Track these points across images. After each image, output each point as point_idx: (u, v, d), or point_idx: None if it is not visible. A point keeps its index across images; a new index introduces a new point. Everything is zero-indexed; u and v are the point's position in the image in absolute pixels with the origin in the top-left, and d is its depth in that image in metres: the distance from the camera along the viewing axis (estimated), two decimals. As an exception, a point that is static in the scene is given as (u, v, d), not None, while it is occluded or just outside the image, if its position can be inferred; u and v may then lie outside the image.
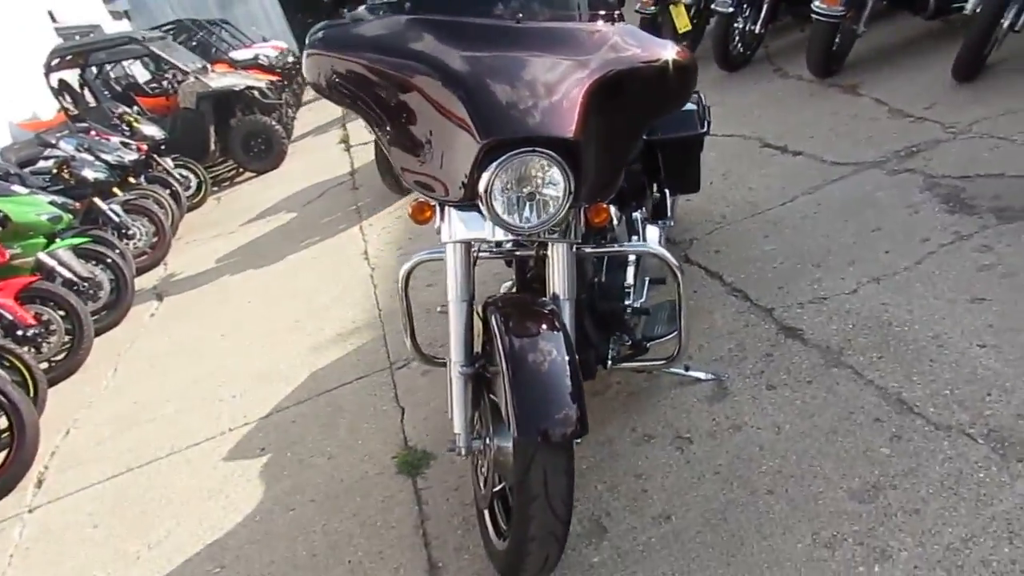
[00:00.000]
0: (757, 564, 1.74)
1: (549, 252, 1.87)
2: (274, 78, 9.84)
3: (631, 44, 1.85)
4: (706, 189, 3.38)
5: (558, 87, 1.67)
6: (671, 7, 2.17)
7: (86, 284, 4.54)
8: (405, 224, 4.92)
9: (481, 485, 1.96)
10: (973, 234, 2.65)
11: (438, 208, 1.86)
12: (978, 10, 3.73)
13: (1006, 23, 3.64)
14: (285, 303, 4.28)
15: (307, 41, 1.92)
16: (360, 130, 8.60)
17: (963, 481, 1.76)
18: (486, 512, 1.99)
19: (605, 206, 1.93)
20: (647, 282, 2.44)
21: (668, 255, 2.00)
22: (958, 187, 2.98)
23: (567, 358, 1.63)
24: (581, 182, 1.67)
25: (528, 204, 1.70)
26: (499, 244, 1.93)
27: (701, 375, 2.41)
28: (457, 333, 1.85)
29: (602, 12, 1.94)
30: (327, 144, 8.86)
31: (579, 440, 1.61)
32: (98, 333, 4.54)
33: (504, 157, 1.60)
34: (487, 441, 1.86)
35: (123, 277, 4.89)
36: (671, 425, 2.26)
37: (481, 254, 1.95)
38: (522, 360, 1.63)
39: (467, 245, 1.84)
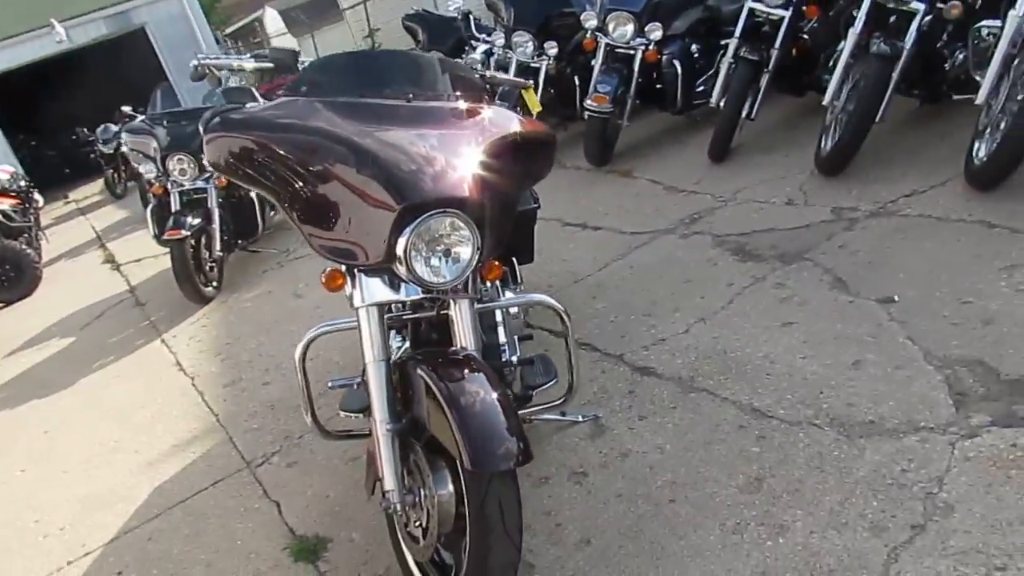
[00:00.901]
0: (681, 560, 1.94)
1: (453, 310, 2.01)
2: (13, 202, 8.98)
3: (508, 120, 2.13)
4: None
5: (456, 155, 1.88)
6: (523, 92, 2.49)
7: None
8: (217, 330, 4.73)
9: (419, 539, 1.98)
10: (766, 275, 3.19)
11: (349, 275, 1.94)
12: (722, 104, 4.55)
13: (744, 113, 4.48)
14: (95, 426, 3.89)
15: (207, 125, 1.96)
16: (128, 247, 8.10)
17: (825, 460, 2.12)
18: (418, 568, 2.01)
19: (497, 264, 2.13)
20: (516, 339, 2.65)
21: (556, 303, 2.22)
22: (741, 242, 3.57)
23: (499, 393, 1.76)
24: (484, 237, 1.87)
25: (443, 261, 1.85)
26: (404, 306, 2.06)
27: (578, 417, 2.62)
28: (380, 393, 1.91)
29: (477, 94, 2.21)
30: (88, 266, 8.18)
31: (526, 465, 1.74)
32: None
33: (422, 217, 1.75)
34: (423, 493, 1.91)
35: None
36: (563, 464, 2.44)
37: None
38: (462, 401, 1.73)
39: (380, 308, 1.94)
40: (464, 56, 6.59)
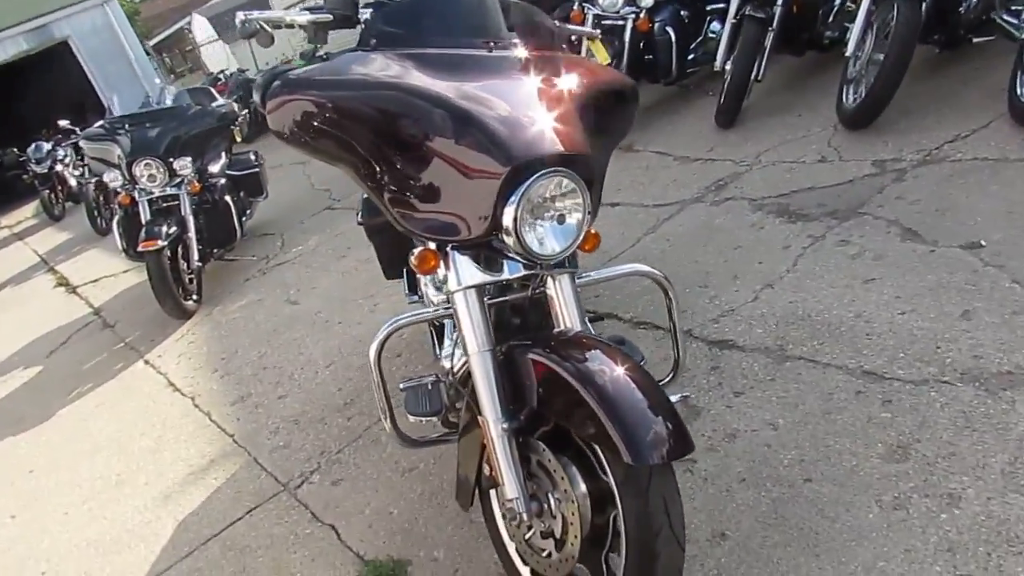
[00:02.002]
0: (844, 544, 1.72)
1: (552, 286, 1.75)
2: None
3: (595, 69, 1.87)
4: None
5: (554, 108, 1.62)
6: (591, 43, 2.29)
7: None
8: (208, 345, 4.35)
9: (552, 552, 1.71)
10: (825, 234, 3.00)
11: (443, 256, 1.67)
12: (727, 66, 4.36)
13: (754, 75, 4.30)
14: (90, 460, 3.49)
15: (267, 89, 1.66)
16: (81, 268, 7.59)
17: (972, 418, 1.92)
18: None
19: (595, 232, 1.88)
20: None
21: (656, 271, 1.98)
22: (783, 203, 3.39)
23: (641, 374, 1.52)
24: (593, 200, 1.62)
25: (551, 229, 1.59)
26: (489, 288, 1.80)
27: (666, 399, 2.38)
28: (488, 387, 1.64)
29: (553, 41, 1.95)
30: (38, 291, 7.61)
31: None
32: None
33: (533, 178, 1.48)
34: (554, 498, 1.65)
35: None
36: (663, 452, 2.19)
37: None
38: (607, 387, 1.48)
39: (479, 291, 1.67)
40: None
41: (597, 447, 1.55)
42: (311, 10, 1.79)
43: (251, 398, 3.51)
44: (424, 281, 2.24)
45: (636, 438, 1.42)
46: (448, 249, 1.66)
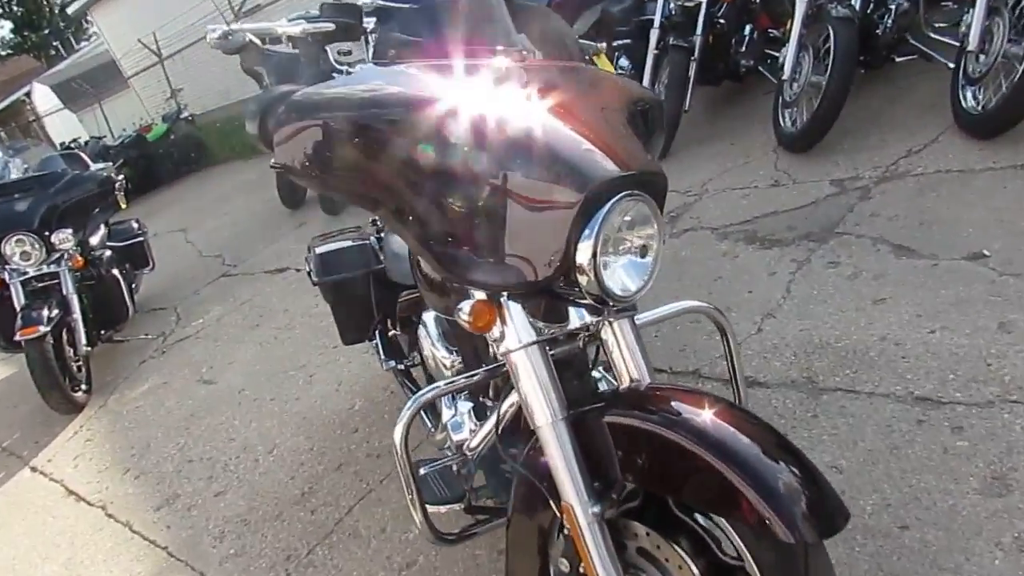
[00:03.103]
0: (982, 601, 1.50)
1: (611, 332, 1.47)
2: None
3: (623, 82, 1.63)
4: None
5: (610, 123, 1.36)
6: (595, 57, 2.10)
7: None
8: (110, 442, 3.72)
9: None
10: (808, 257, 2.88)
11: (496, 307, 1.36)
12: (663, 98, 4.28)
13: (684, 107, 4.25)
14: (-23, 600, 2.84)
15: (271, 111, 1.30)
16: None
17: (1063, 438, 1.77)
18: None
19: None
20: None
21: (715, 310, 1.75)
22: (749, 230, 3.26)
23: (776, 432, 1.25)
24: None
25: (630, 264, 1.31)
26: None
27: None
28: (569, 465, 1.32)
29: (572, 48, 1.71)
30: None
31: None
32: None
33: (609, 204, 1.20)
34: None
35: None
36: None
37: None
38: (739, 451, 1.20)
39: (542, 346, 1.37)
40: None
41: (726, 524, 1.25)
42: (308, 19, 1.46)
43: (180, 499, 2.98)
44: (432, 341, 1.89)
45: (790, 510, 1.14)
46: (502, 299, 1.34)
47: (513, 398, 1.69)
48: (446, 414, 2.01)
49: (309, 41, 1.46)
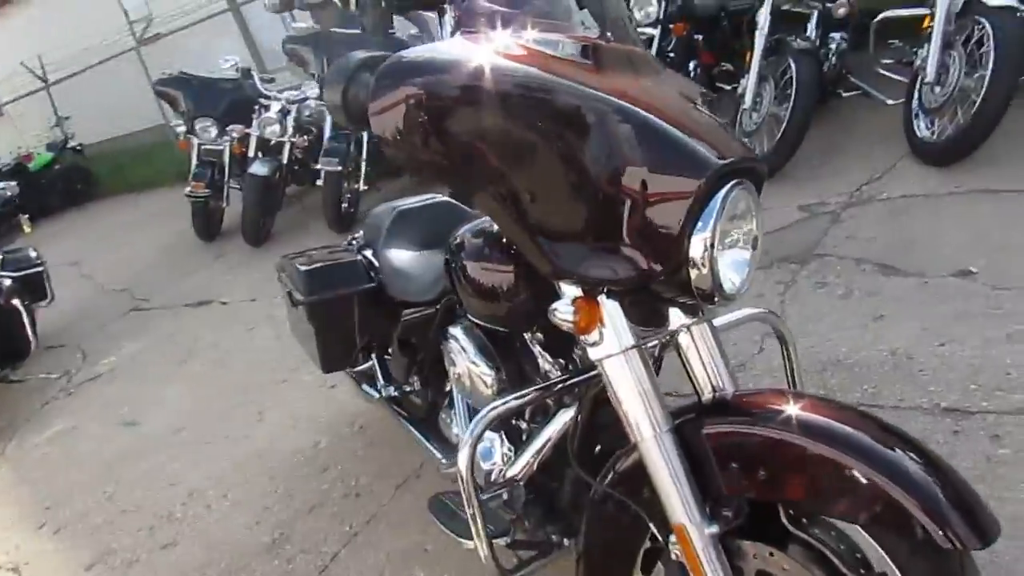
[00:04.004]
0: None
1: (691, 337, 1.35)
2: None
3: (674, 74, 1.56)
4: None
5: (703, 109, 1.28)
6: None
7: None
8: (13, 492, 3.26)
9: None
10: (794, 279, 2.86)
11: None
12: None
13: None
14: None
15: (362, 74, 1.13)
16: None
17: (1109, 441, 1.77)
18: None
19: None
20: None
21: (778, 318, 1.67)
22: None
23: (909, 437, 1.16)
24: None
25: (739, 258, 1.21)
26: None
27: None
28: (680, 482, 1.19)
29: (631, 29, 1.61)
30: None
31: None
32: None
33: (724, 191, 1.10)
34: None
35: None
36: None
37: None
38: (886, 457, 1.10)
39: (643, 350, 1.23)
40: (254, 118, 5.66)
41: (866, 535, 1.14)
42: (384, -15, 1.28)
43: (116, 554, 2.61)
44: (470, 355, 1.70)
45: (947, 515, 1.04)
46: (600, 298, 1.20)
47: (564, 418, 1.54)
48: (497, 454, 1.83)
49: (383, 7, 1.28)
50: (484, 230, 1.53)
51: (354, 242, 2.50)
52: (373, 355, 2.28)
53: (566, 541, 1.62)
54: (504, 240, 1.40)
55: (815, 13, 3.78)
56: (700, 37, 4.61)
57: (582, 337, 1.22)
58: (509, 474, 1.66)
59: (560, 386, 1.40)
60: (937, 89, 3.24)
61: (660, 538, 1.29)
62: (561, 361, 1.56)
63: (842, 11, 3.80)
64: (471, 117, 1.09)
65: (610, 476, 1.34)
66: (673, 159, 1.07)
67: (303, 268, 2.21)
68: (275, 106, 5.60)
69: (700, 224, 1.06)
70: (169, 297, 5.25)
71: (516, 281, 1.41)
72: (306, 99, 5.53)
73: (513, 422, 1.78)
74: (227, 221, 6.25)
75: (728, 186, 1.07)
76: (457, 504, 1.76)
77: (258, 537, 2.44)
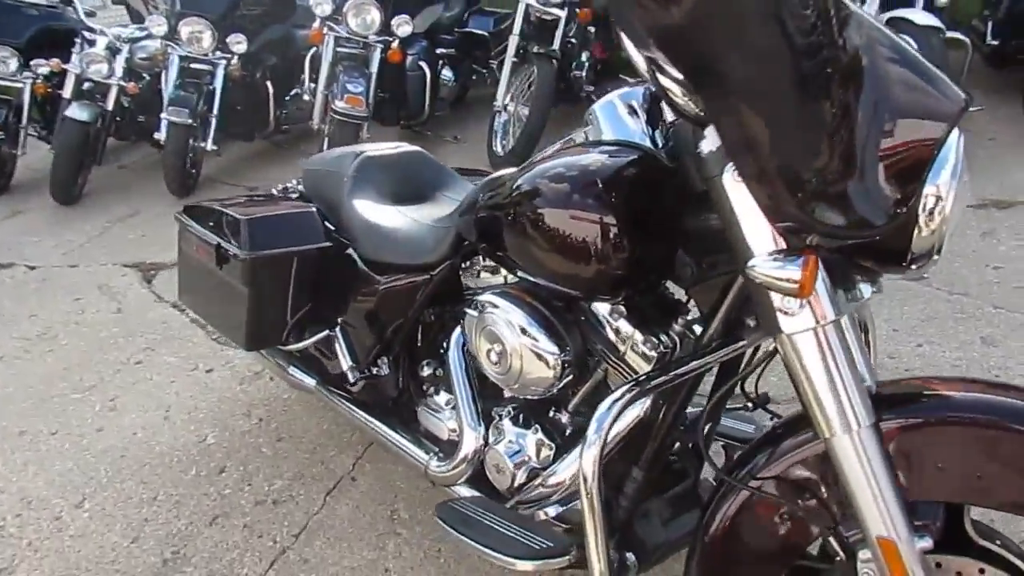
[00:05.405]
0: None
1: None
2: None
3: None
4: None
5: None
6: None
7: None
8: None
9: None
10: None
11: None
12: (508, 105, 4.02)
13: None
14: None
15: None
16: None
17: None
18: None
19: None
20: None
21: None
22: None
23: None
24: None
25: None
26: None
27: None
28: (885, 489, 0.98)
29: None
30: None
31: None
32: None
33: (955, 141, 0.92)
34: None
35: None
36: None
37: None
38: None
39: (840, 324, 1.00)
40: (75, 54, 4.77)
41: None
42: None
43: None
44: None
45: None
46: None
47: (638, 409, 1.26)
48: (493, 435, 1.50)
49: None
50: (566, 175, 1.22)
51: (289, 191, 2.05)
52: (329, 331, 1.84)
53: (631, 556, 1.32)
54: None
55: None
56: (594, 29, 4.51)
57: (778, 304, 0.97)
58: (558, 476, 1.37)
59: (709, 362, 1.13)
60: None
61: (838, 553, 1.07)
62: (659, 339, 1.27)
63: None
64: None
65: (763, 474, 1.09)
66: (922, 100, 0.90)
67: (244, 217, 1.74)
68: (102, 41, 4.74)
69: (931, 175, 0.89)
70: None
71: (623, 237, 1.13)
72: (146, 37, 4.74)
73: (551, 413, 1.47)
74: (23, 173, 5.25)
75: (959, 134, 0.92)
76: (483, 513, 1.42)
77: (143, 557, 1.90)
